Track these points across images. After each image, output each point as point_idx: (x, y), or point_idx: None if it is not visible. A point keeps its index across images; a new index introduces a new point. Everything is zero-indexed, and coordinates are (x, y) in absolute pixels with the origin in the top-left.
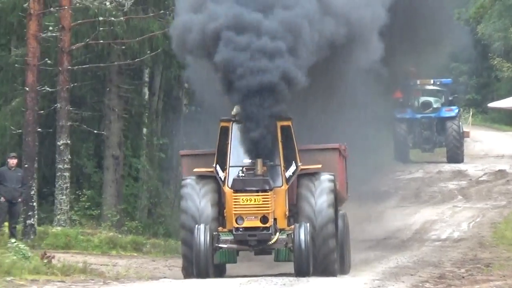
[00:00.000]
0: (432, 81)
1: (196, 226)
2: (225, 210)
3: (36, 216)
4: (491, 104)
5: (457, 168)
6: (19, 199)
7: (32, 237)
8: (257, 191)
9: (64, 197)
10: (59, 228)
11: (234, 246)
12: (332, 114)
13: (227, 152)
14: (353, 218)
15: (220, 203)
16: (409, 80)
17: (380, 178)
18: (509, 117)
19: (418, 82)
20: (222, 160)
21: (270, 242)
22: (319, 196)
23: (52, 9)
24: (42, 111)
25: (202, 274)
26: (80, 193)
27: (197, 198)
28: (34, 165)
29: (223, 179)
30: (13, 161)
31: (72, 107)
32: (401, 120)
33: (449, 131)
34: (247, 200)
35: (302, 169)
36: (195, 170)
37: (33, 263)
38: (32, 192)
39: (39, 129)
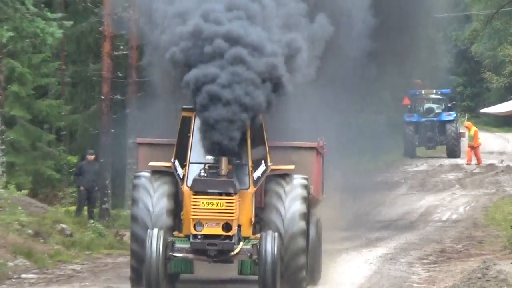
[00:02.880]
0: (434, 91)
1: (149, 230)
2: (182, 212)
3: (110, 202)
4: (483, 110)
5: (455, 162)
6: (96, 188)
7: (106, 218)
8: (220, 194)
9: None
10: (129, 211)
11: (191, 256)
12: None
13: (188, 146)
14: (370, 203)
15: (177, 202)
16: (415, 91)
17: (392, 171)
18: (497, 120)
19: (423, 91)
20: (181, 155)
21: (233, 253)
22: (290, 206)
23: (122, 32)
24: (115, 115)
25: (153, 286)
26: None
27: (151, 189)
28: (109, 160)
29: (182, 177)
30: (91, 157)
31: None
32: (409, 123)
33: (449, 132)
34: (208, 204)
35: (272, 170)
36: (151, 164)
37: (107, 240)
38: (107, 182)
39: (112, 130)
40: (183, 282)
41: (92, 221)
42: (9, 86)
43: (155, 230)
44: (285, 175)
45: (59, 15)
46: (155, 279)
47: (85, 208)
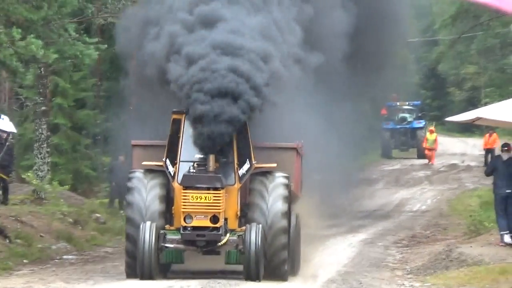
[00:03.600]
0: (407, 103)
1: (142, 223)
2: (173, 207)
3: None
4: (448, 118)
5: (424, 162)
6: (125, 184)
7: None
8: (208, 189)
9: None
10: None
11: (181, 246)
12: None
13: (178, 146)
14: (353, 197)
15: (168, 199)
16: (391, 103)
17: (371, 169)
18: (459, 127)
19: (398, 103)
20: (172, 154)
21: (220, 244)
22: (272, 205)
23: None
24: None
25: (146, 275)
26: None
27: (144, 191)
28: None
29: (172, 174)
30: (121, 158)
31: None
32: (386, 129)
33: (419, 137)
34: (197, 198)
35: (256, 167)
36: (144, 163)
37: None
38: None
39: (139, 135)
40: (174, 272)
41: (122, 211)
42: (54, 99)
43: (148, 223)
44: (267, 174)
45: (96, 39)
46: (148, 268)
47: (116, 200)
